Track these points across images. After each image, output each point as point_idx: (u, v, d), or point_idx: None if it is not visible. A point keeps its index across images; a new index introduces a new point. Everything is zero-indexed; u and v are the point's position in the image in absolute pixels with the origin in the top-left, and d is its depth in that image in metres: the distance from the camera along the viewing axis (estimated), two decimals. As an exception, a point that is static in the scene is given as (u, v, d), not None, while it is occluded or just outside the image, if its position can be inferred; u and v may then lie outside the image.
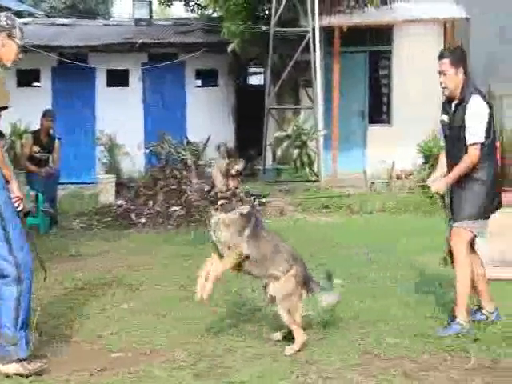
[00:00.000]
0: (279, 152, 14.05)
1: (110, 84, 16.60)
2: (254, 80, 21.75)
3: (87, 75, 16.36)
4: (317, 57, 13.63)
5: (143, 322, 5.54)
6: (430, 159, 12.06)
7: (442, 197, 5.34)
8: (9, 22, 4.54)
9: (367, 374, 4.35)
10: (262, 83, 18.66)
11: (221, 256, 4.87)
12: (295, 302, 4.86)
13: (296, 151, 13.42)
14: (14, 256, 4.30)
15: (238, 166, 4.85)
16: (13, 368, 4.31)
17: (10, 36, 4.53)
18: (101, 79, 16.59)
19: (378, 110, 15.85)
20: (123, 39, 16.04)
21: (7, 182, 4.39)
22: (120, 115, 15.97)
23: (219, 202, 4.77)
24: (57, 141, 10.71)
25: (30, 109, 13.56)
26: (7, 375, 4.29)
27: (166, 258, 8.20)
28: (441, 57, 5.15)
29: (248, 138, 16.50)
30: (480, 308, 5.35)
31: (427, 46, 14.61)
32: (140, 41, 15.83)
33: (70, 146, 15.99)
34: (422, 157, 12.48)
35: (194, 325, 5.42)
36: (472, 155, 4.99)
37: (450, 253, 7.26)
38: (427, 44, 14.65)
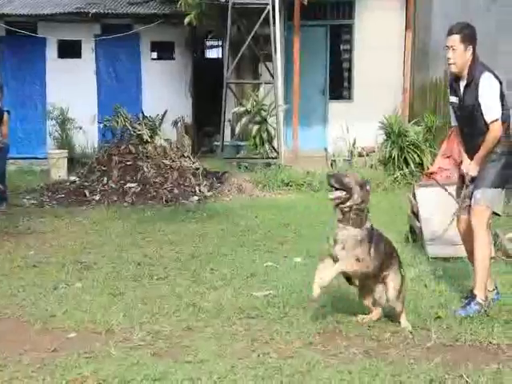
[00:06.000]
0: (238, 128, 13.88)
1: (61, 55, 16.12)
2: (212, 53, 21.47)
3: (37, 46, 15.85)
4: (277, 30, 13.42)
5: (98, 301, 5.41)
6: (391, 136, 12.04)
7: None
8: None
9: (328, 353, 4.31)
10: (220, 57, 18.44)
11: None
12: (404, 293, 4.86)
13: (255, 127, 13.24)
14: None
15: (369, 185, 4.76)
16: None
17: None
18: (51, 50, 16.08)
19: (339, 86, 15.76)
20: (75, 9, 15.56)
21: None
22: (72, 88, 15.57)
23: (352, 215, 4.63)
24: (5, 114, 10.33)
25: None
26: None
27: (121, 235, 8.04)
28: (450, 32, 5.03)
29: (206, 113, 16.33)
30: None
31: (389, 20, 14.63)
32: (93, 11, 15.38)
33: (19, 120, 15.64)
34: (383, 133, 12.43)
35: (151, 304, 5.31)
36: (495, 132, 4.95)
37: (411, 230, 7.31)
38: (389, 18, 14.65)
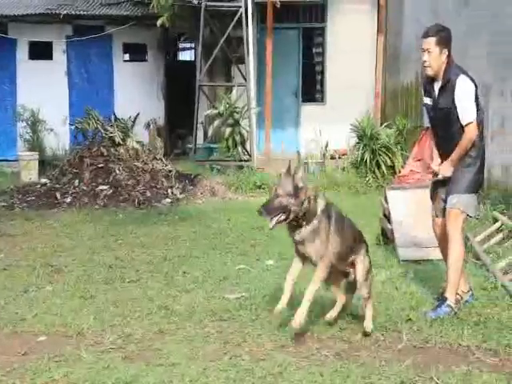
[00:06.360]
0: (211, 130, 13.87)
1: (32, 57, 15.98)
2: (185, 56, 21.44)
3: (8, 47, 15.68)
4: (249, 33, 13.48)
5: (69, 304, 5.37)
6: (363, 139, 12.12)
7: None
8: None
9: (299, 355, 4.33)
10: (193, 59, 18.42)
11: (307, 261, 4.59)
12: (371, 278, 4.83)
13: (228, 130, 13.24)
14: None
15: (300, 175, 4.48)
16: None
17: None
18: (22, 51, 15.95)
19: (312, 89, 15.85)
20: (46, 10, 15.43)
21: None
22: (43, 90, 15.43)
23: (301, 220, 4.47)
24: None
25: None
26: None
27: (92, 238, 7.99)
28: (426, 35, 5.05)
29: (178, 115, 16.29)
30: None
31: (361, 24, 14.76)
32: (64, 12, 15.27)
33: (-12, 122, 15.44)
34: (355, 136, 12.51)
35: (122, 307, 5.29)
36: (470, 134, 4.98)
37: (383, 233, 7.37)
38: (361, 21, 14.78)
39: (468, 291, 5.29)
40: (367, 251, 4.87)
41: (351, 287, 4.87)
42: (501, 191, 8.42)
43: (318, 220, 4.50)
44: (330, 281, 4.83)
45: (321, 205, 4.55)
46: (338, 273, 4.81)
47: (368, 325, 4.71)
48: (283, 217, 4.44)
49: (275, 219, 4.45)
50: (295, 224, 4.50)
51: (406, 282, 5.82)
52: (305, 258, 4.60)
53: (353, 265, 4.78)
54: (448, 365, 4.16)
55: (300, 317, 4.42)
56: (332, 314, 4.88)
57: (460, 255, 5.11)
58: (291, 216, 4.44)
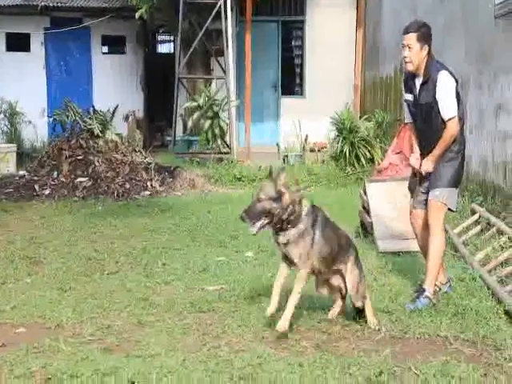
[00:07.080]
0: (190, 123, 13.84)
1: (9, 48, 15.85)
2: (164, 48, 21.36)
3: (-16, 39, 15.54)
4: (228, 25, 13.45)
5: (48, 296, 5.34)
6: (343, 132, 12.16)
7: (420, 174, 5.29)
8: None
9: (279, 347, 4.34)
10: (172, 51, 18.37)
11: (292, 264, 4.54)
12: (363, 287, 4.73)
13: (207, 122, 13.23)
14: None
15: (283, 179, 4.41)
16: None
17: None
18: (-1, 43, 15.82)
19: (291, 82, 15.88)
20: (23, 1, 15.29)
21: None
22: (21, 82, 15.32)
23: (285, 223, 4.41)
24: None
25: None
26: None
27: (71, 230, 7.94)
28: (407, 31, 5.07)
29: (158, 107, 16.24)
30: None
31: (340, 17, 14.81)
32: (41, 3, 15.14)
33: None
34: (335, 129, 12.55)
35: (102, 299, 5.27)
36: (452, 129, 5.01)
37: (362, 225, 7.40)
38: (340, 15, 14.82)
39: (446, 282, 5.33)
40: (357, 259, 4.82)
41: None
42: (478, 184, 8.49)
43: (303, 223, 4.47)
44: (325, 292, 4.84)
45: (306, 208, 4.52)
46: (328, 283, 4.79)
47: (372, 320, 4.71)
48: (267, 221, 4.42)
49: (259, 224, 4.42)
50: (279, 227, 4.47)
51: (385, 274, 5.85)
52: (291, 263, 4.56)
53: (340, 274, 4.73)
54: (426, 355, 4.20)
55: (285, 321, 4.41)
56: (334, 313, 4.86)
57: (440, 247, 5.15)
58: (275, 220, 4.42)
